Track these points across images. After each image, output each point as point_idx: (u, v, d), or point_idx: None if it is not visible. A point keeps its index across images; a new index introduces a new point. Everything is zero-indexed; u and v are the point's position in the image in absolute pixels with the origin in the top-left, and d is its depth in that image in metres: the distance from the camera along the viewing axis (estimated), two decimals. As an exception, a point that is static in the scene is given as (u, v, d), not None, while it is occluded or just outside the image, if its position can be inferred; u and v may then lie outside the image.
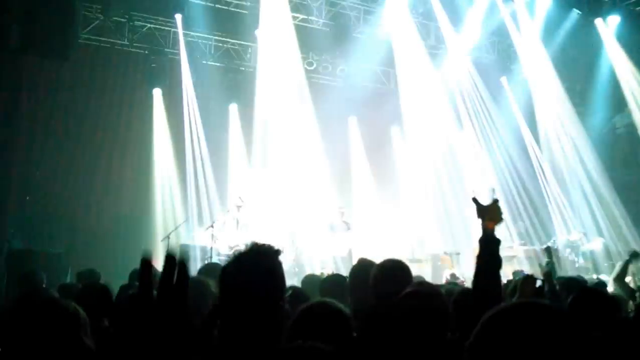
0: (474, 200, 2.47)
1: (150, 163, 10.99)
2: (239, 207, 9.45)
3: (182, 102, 11.27)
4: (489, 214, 2.42)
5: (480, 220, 2.41)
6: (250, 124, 11.82)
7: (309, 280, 4.59)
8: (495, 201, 2.47)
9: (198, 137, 11.33)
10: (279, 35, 11.44)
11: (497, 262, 2.35)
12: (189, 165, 11.17)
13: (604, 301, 2.96)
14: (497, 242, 2.36)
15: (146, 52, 10.76)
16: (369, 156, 12.69)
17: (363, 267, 3.16)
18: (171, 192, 11.22)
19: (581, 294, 2.99)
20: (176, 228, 9.49)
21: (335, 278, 4.24)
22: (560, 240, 11.87)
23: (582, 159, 12.61)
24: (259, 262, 1.75)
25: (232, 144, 11.88)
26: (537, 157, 12.80)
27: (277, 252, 1.79)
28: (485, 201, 2.47)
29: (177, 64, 11.04)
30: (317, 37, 11.80)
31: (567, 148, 12.71)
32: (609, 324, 2.66)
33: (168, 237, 8.97)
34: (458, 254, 10.37)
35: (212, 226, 9.05)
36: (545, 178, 12.63)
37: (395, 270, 2.93)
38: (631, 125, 12.88)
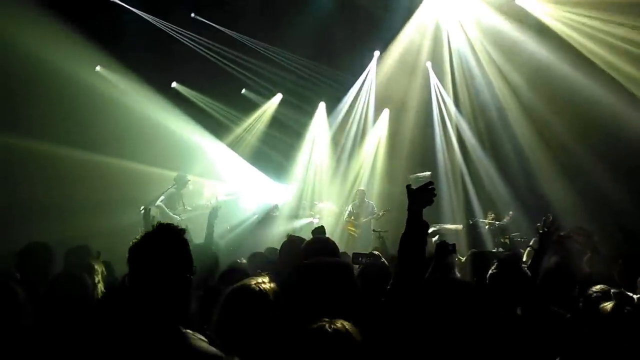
0: (407, 186, 2.59)
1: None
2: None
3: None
4: (420, 197, 2.53)
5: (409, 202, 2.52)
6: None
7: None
8: (429, 184, 2.56)
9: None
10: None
11: (422, 242, 2.50)
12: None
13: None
14: (425, 225, 2.50)
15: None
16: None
17: (293, 242, 3.70)
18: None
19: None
20: None
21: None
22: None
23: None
24: (165, 240, 1.99)
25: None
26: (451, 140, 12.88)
27: (182, 231, 2.03)
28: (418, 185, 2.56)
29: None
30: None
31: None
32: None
33: None
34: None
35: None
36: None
37: (324, 244, 3.26)
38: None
